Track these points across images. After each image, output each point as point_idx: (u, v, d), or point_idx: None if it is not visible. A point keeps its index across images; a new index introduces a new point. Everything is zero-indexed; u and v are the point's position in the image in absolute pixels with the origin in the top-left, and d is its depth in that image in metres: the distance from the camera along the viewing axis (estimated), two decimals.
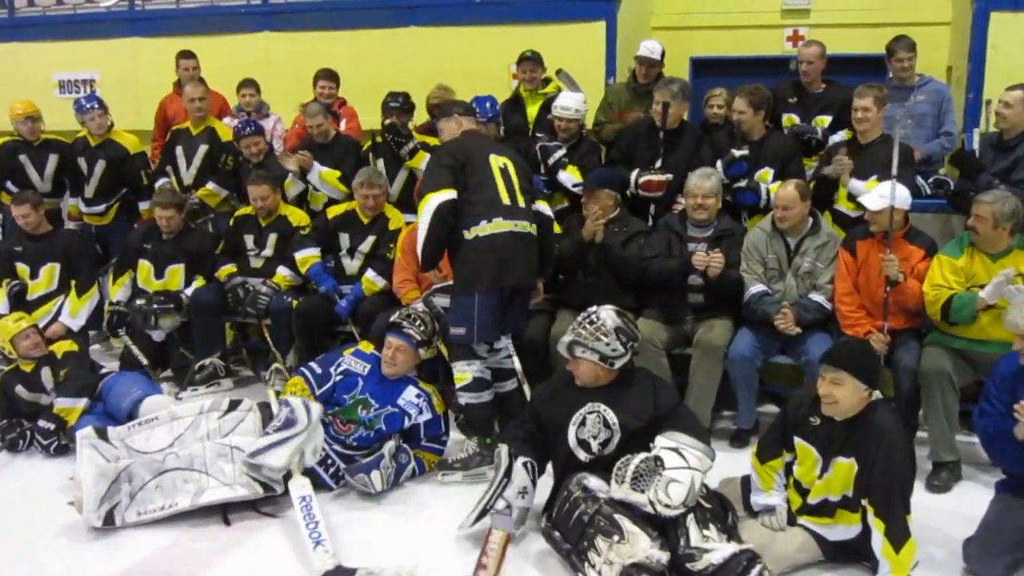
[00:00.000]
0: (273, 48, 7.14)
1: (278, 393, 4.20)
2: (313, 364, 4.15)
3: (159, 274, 5.50)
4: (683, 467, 3.10)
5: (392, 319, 4.11)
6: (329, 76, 6.19)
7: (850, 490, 3.12)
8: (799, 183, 4.41)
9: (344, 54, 6.72)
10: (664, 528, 3.03)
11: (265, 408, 4.02)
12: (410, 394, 4.01)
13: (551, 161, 5.08)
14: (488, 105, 5.36)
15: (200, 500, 3.64)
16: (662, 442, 3.18)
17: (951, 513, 3.58)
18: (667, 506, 3.01)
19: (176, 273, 5.49)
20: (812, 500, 3.21)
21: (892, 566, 2.97)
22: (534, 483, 3.46)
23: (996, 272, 3.92)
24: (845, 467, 3.12)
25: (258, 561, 3.40)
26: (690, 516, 3.02)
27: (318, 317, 5.15)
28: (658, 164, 4.92)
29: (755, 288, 4.41)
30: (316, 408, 3.83)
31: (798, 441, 3.24)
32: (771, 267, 4.46)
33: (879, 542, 2.99)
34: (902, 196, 4.14)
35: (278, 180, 5.57)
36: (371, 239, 5.24)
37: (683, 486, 3.03)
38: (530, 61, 5.70)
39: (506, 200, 4.04)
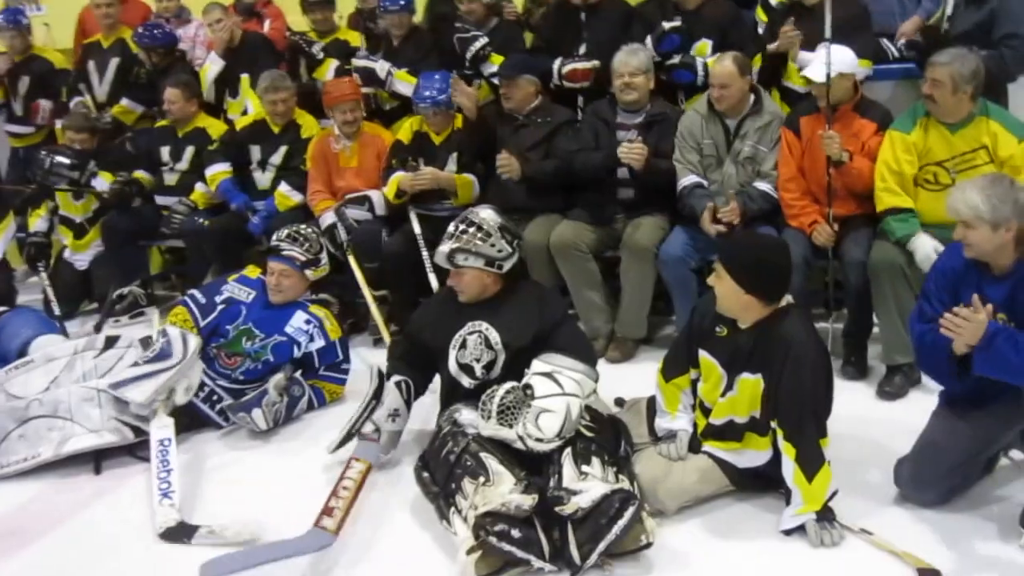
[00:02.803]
0: None
1: None
2: (196, 292, 3.79)
3: (77, 196, 5.14)
4: (557, 394, 2.70)
5: (271, 241, 3.70)
6: None
7: (758, 411, 2.70)
8: (737, 56, 3.85)
9: None
10: (539, 466, 2.65)
11: (145, 343, 3.67)
12: (298, 320, 3.63)
13: (470, 53, 4.53)
14: None
15: (64, 449, 3.32)
16: (536, 366, 2.78)
17: (899, 424, 3.09)
18: (539, 440, 2.62)
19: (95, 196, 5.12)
20: (716, 421, 2.79)
21: (804, 497, 2.56)
22: (408, 404, 3.13)
23: (957, 147, 3.40)
24: (751, 384, 2.68)
25: (115, 515, 3.08)
26: (566, 451, 2.63)
27: (232, 236, 4.76)
28: (582, 49, 4.37)
29: (688, 179, 3.92)
30: (194, 341, 3.49)
31: (702, 354, 2.81)
32: (708, 154, 3.95)
33: (790, 469, 2.58)
34: (844, 60, 3.58)
35: (190, 86, 5.11)
36: (283, 149, 4.80)
37: (556, 416, 2.63)
38: None
39: None
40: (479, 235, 3.02)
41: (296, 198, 4.69)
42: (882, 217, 3.52)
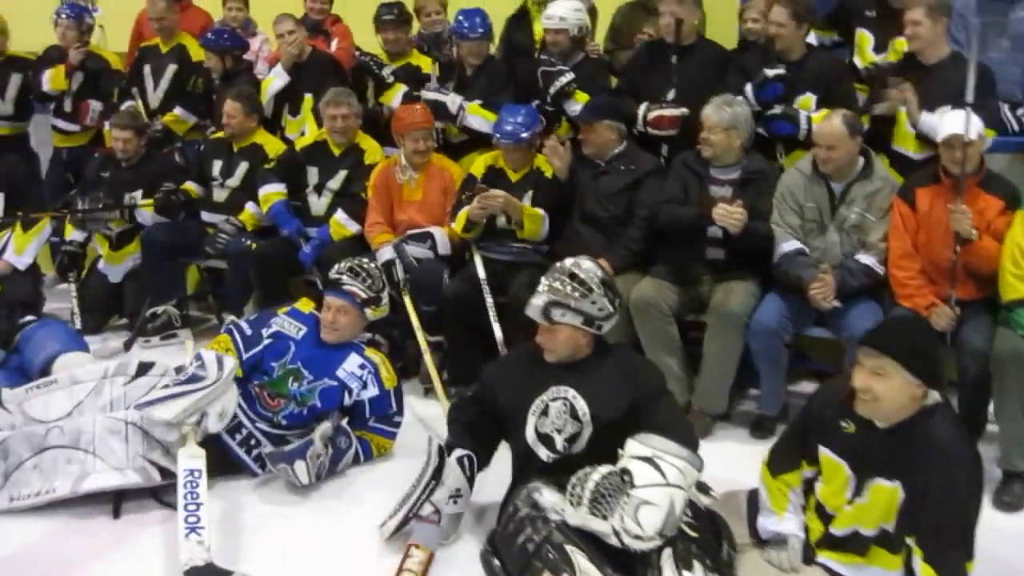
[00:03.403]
0: None
1: None
2: (243, 323, 3.46)
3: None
4: (659, 484, 2.34)
5: (331, 274, 3.36)
6: None
7: (891, 523, 2.32)
8: (847, 114, 3.51)
9: None
10: (632, 566, 2.28)
11: (181, 371, 3.34)
12: (352, 364, 3.28)
13: (554, 88, 4.22)
14: (478, 20, 4.48)
15: (83, 486, 2.97)
16: (634, 448, 2.42)
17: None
18: (637, 537, 2.26)
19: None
20: (838, 531, 2.41)
21: None
22: (472, 480, 2.78)
23: None
24: (886, 492, 2.31)
25: (132, 566, 2.74)
26: (667, 551, 2.27)
27: (278, 263, 4.44)
28: (671, 95, 4.05)
29: (788, 245, 3.56)
30: (230, 363, 3.17)
31: (824, 452, 2.44)
32: (810, 218, 3.60)
33: None
34: (979, 126, 3.25)
35: (252, 100, 4.82)
36: (342, 174, 4.49)
37: (658, 511, 2.27)
38: None
39: None
40: (580, 289, 2.68)
41: (352, 228, 4.37)
42: (1011, 306, 3.16)
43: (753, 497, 2.66)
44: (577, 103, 4.23)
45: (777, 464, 2.56)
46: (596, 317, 2.70)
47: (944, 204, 3.33)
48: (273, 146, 4.77)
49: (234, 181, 4.77)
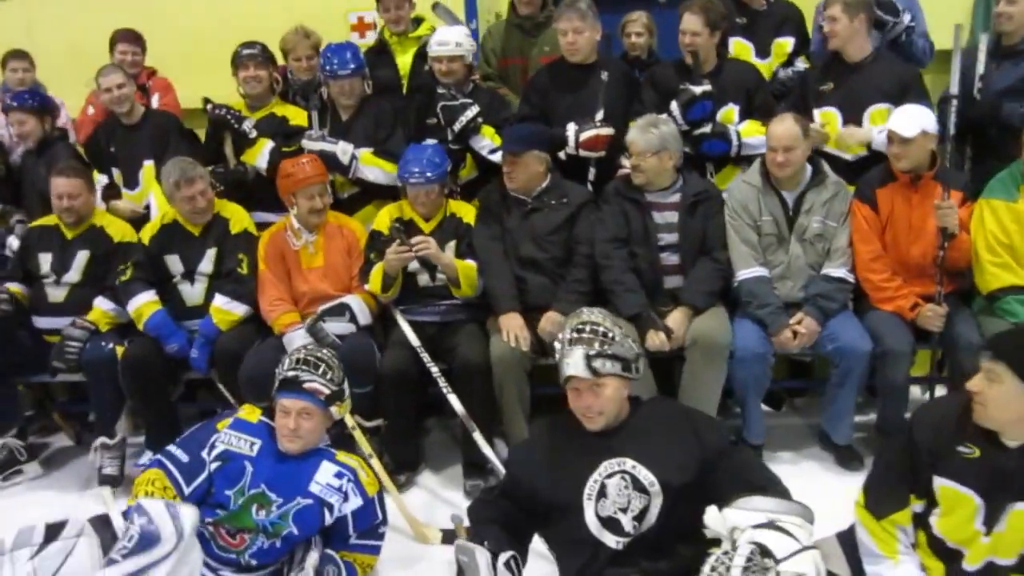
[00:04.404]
0: (34, 18, 5.34)
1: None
2: (175, 448, 2.75)
3: None
4: (799, 550, 2.03)
5: (284, 371, 2.75)
6: (130, 38, 4.57)
7: None
8: (798, 116, 3.42)
9: (139, 12, 5.03)
10: None
11: (104, 526, 2.59)
12: (326, 474, 2.69)
13: (459, 124, 3.81)
14: (349, 55, 3.97)
15: None
16: (742, 518, 2.07)
17: None
18: None
19: None
20: (971, 566, 2.19)
21: None
22: None
23: None
24: None
25: None
26: None
27: (155, 366, 3.67)
28: (599, 116, 3.79)
29: (747, 271, 3.41)
30: (188, 515, 2.52)
31: (942, 483, 2.20)
32: (767, 232, 3.46)
33: None
34: (926, 119, 3.25)
35: (86, 175, 3.99)
36: (210, 253, 3.79)
37: None
38: None
39: None
40: (609, 329, 2.34)
41: (239, 310, 3.71)
42: (995, 296, 3.15)
43: (847, 540, 2.39)
44: (485, 138, 3.86)
45: (880, 505, 2.30)
46: (631, 360, 2.35)
47: (905, 201, 3.31)
48: (117, 228, 3.97)
49: (73, 276, 3.90)
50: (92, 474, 3.75)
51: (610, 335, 2.34)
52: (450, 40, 3.91)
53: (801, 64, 4.04)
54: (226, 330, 3.69)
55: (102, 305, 3.82)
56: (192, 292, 3.81)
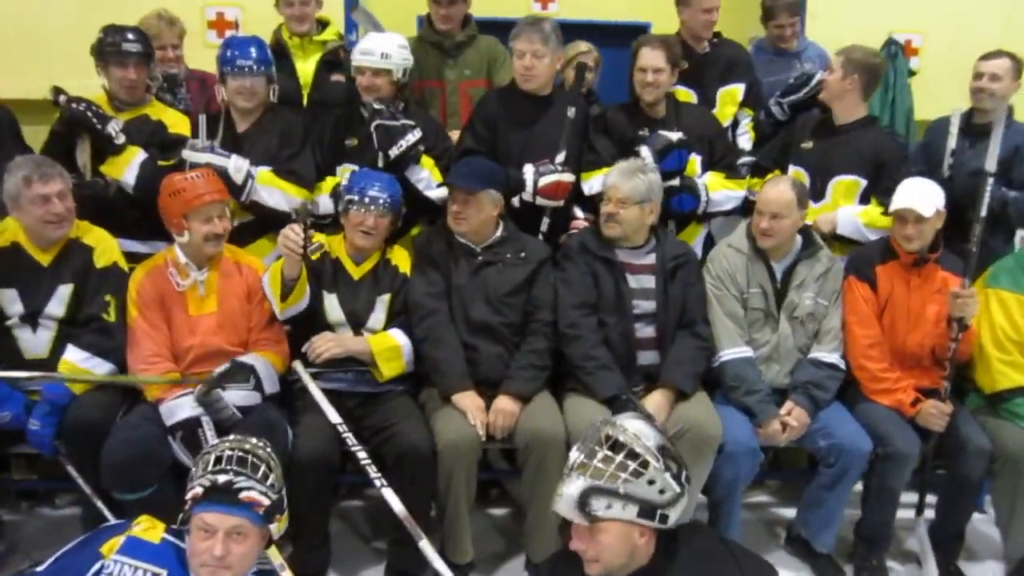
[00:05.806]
0: None
1: None
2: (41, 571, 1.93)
3: None
4: None
5: (207, 472, 1.96)
6: None
7: None
8: (795, 181, 3.08)
9: None
10: None
11: None
12: None
13: (399, 150, 3.16)
14: (253, 49, 3.23)
15: None
16: None
17: None
18: None
19: None
20: None
21: None
22: None
23: None
24: None
25: None
26: None
27: None
28: (560, 157, 3.25)
29: (733, 351, 3.00)
30: None
31: None
32: (754, 307, 3.06)
33: None
34: (942, 196, 2.97)
35: None
36: (64, 291, 2.91)
37: None
38: None
39: None
40: (630, 465, 1.80)
41: (101, 369, 2.84)
42: (1004, 397, 2.89)
43: None
44: (423, 169, 3.25)
45: None
46: (657, 504, 1.83)
47: (904, 284, 3.00)
48: None
49: None
50: None
51: (634, 466, 1.80)
52: (376, 50, 3.27)
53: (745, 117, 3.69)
54: (81, 395, 2.80)
55: None
56: (34, 342, 2.90)
